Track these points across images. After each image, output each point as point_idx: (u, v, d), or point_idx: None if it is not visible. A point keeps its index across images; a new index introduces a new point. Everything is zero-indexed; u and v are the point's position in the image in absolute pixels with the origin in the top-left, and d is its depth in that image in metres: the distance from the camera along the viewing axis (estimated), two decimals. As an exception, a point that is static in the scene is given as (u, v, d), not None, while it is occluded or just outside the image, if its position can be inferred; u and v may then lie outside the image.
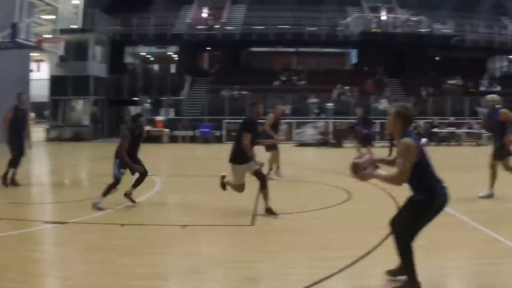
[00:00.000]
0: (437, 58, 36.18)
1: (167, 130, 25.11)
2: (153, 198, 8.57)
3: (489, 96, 8.69)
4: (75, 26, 28.86)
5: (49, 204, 8.38)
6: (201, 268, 4.83)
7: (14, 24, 16.86)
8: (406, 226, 4.03)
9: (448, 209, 7.13)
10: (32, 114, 30.56)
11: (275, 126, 11.33)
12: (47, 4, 26.27)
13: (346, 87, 27.93)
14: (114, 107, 29.42)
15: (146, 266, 4.80)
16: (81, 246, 5.50)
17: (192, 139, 24.66)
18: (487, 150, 8.72)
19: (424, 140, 22.82)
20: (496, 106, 8.31)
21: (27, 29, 17.98)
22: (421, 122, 24.47)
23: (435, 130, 23.71)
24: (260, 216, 6.95)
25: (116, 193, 7.40)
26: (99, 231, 6.27)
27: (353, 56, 34.98)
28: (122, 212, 7.37)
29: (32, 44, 19.21)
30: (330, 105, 26.14)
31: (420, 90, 29.02)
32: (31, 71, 28.29)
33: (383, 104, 25.80)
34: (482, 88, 30.14)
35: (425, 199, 3.97)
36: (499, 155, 8.15)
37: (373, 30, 30.43)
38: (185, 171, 13.68)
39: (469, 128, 24.19)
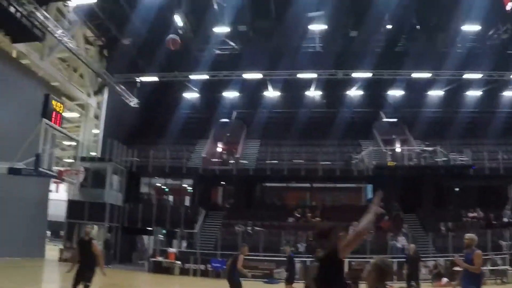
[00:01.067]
0: (456, 189, 34.12)
1: (179, 262, 24.68)
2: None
3: (467, 235, 8.64)
4: (94, 154, 30.12)
5: None
6: None
7: (37, 154, 17.49)
8: None
9: None
10: (48, 233, 30.94)
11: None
12: (69, 137, 27.27)
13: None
14: (127, 234, 29.31)
15: None
16: None
17: (204, 273, 24.09)
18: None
19: (444, 280, 21.04)
20: (473, 247, 8.30)
21: (49, 160, 18.52)
22: (441, 260, 23.10)
23: (457, 268, 22.04)
24: None
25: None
26: None
27: (369, 191, 33.85)
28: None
29: (54, 174, 19.89)
30: (345, 243, 24.85)
31: (439, 225, 27.49)
32: (50, 191, 29.37)
33: (400, 241, 24.56)
34: (505, 219, 28.07)
35: None
36: None
37: (389, 164, 29.33)
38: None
39: (493, 265, 22.25)
